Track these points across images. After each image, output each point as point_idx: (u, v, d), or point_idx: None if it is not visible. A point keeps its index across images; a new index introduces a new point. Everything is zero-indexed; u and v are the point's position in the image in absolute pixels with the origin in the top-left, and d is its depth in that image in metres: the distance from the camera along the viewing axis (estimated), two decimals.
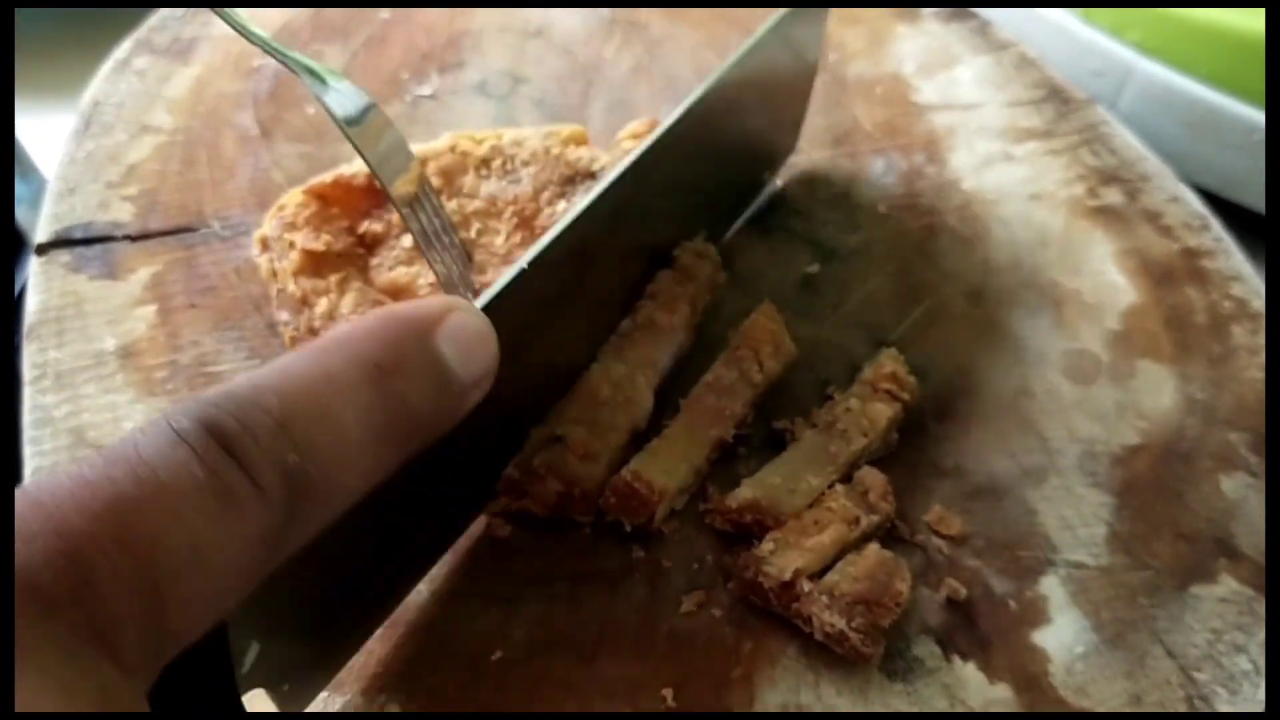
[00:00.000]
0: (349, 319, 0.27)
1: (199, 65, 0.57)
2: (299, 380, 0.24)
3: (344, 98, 0.37)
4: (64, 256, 0.46)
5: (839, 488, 0.39)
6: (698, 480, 0.41)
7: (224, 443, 0.22)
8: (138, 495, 0.21)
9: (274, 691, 0.28)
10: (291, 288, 0.41)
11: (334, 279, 0.42)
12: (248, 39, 0.38)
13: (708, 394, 0.41)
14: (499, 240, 0.44)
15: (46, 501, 0.20)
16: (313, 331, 0.41)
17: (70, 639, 0.19)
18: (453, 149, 0.45)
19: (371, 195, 0.44)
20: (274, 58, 0.38)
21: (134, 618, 0.20)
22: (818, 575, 0.37)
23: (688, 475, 0.39)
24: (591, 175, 0.45)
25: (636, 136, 0.47)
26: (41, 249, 0.47)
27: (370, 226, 0.43)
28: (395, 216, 0.43)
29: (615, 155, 0.46)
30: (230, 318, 0.45)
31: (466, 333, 0.28)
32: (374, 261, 0.43)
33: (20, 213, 0.59)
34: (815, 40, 0.49)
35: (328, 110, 0.37)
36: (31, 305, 0.44)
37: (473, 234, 0.44)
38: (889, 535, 0.40)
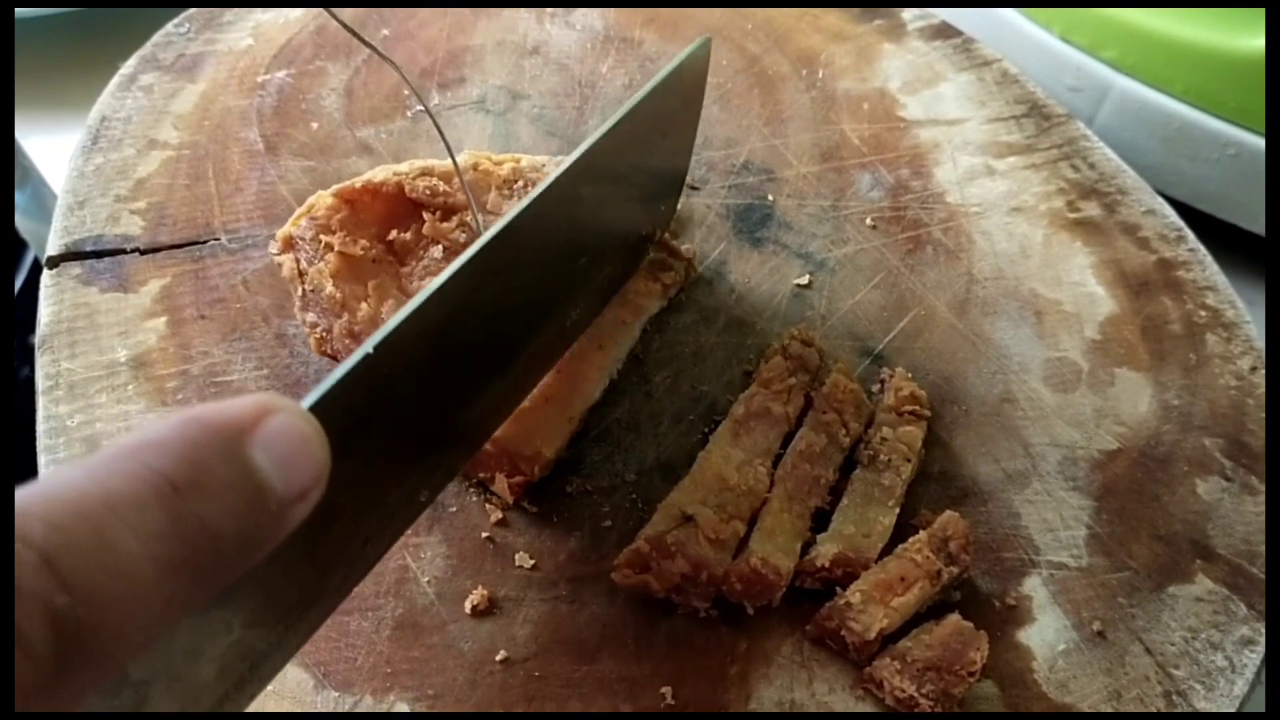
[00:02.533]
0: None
1: (205, 81, 0.58)
2: (71, 502, 0.20)
3: None
4: (75, 269, 0.47)
5: (922, 535, 0.40)
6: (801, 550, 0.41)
7: None
8: None
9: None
10: (330, 289, 0.42)
11: (371, 285, 0.43)
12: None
13: (802, 463, 0.42)
14: None
15: None
16: (353, 336, 0.42)
17: None
18: (474, 167, 0.46)
19: (400, 203, 0.45)
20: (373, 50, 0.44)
21: None
22: (895, 635, 0.38)
23: (797, 550, 0.40)
24: None
25: None
26: (53, 261, 0.48)
27: (399, 235, 0.44)
28: (425, 227, 0.44)
29: None
30: (239, 328, 0.46)
31: (287, 439, 0.24)
32: (404, 270, 0.44)
33: (16, 219, 0.60)
34: (702, 72, 0.47)
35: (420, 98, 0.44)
36: (44, 317, 0.45)
37: None
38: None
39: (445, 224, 0.45)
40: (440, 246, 0.44)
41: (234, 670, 0.28)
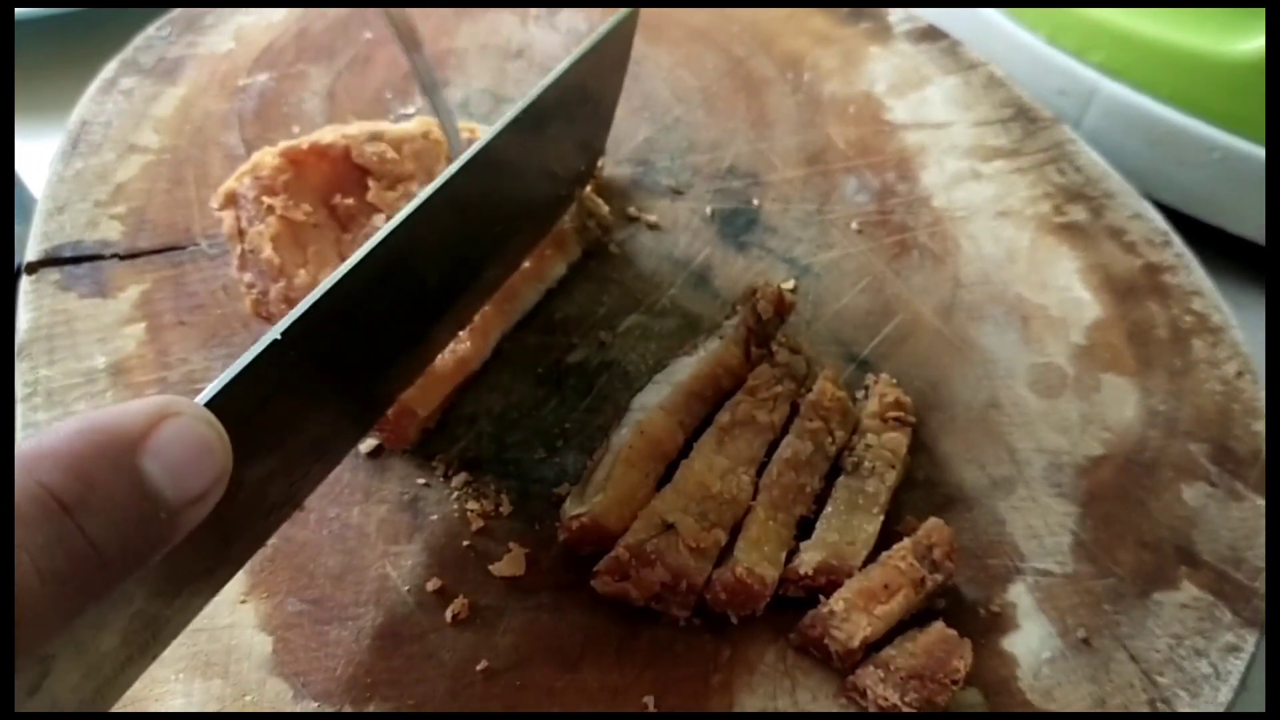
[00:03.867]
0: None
1: (185, 85, 0.57)
2: None
3: None
4: (54, 275, 0.47)
5: (906, 542, 0.39)
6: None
7: None
8: None
9: None
10: (268, 253, 0.41)
11: (311, 250, 0.42)
12: None
13: (787, 471, 0.41)
14: None
15: None
16: (289, 302, 0.41)
17: None
18: (425, 135, 0.46)
19: (346, 167, 0.44)
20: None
21: None
22: (879, 643, 0.37)
23: (782, 559, 0.39)
24: None
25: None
26: (31, 268, 0.47)
27: (343, 201, 0.43)
28: (370, 194, 0.43)
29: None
30: (218, 334, 0.46)
31: (183, 444, 0.24)
32: (347, 237, 0.43)
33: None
34: (628, 43, 0.49)
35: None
36: (22, 324, 0.45)
37: None
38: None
39: (390, 192, 0.44)
40: (383, 215, 0.43)
41: (137, 638, 0.28)
